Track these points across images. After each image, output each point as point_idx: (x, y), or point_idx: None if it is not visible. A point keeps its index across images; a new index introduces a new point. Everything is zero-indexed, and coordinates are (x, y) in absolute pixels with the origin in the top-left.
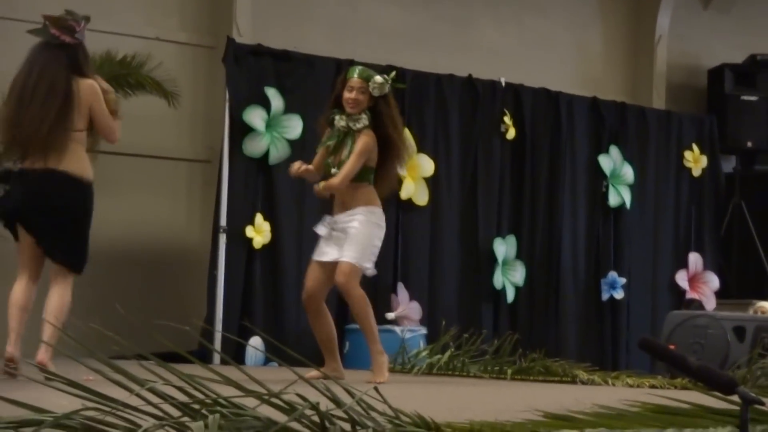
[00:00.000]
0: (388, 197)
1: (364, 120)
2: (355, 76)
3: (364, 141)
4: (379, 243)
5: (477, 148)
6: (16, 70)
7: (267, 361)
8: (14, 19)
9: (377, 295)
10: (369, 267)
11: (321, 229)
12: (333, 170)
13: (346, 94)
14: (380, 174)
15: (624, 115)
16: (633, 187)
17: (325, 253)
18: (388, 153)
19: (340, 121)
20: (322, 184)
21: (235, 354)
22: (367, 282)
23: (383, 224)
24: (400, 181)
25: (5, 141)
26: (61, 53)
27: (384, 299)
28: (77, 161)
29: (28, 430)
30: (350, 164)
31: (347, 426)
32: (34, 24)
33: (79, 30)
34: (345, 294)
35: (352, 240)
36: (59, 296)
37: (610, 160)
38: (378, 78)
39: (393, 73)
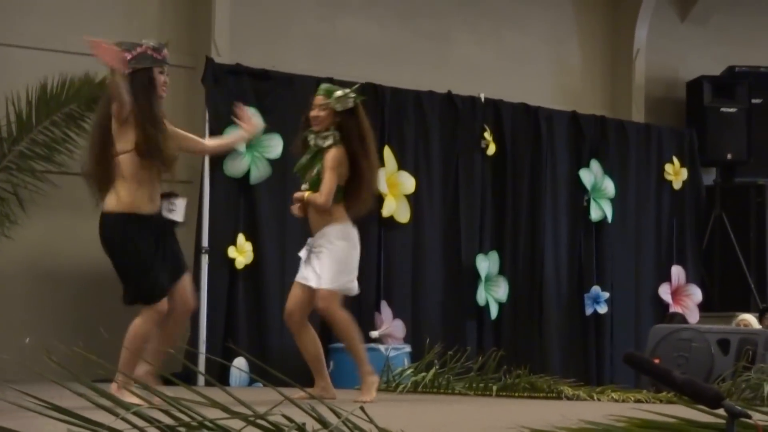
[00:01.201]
0: (365, 215)
1: (331, 137)
2: (318, 93)
3: (332, 155)
4: (353, 260)
5: (458, 164)
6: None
7: (251, 382)
8: (11, 45)
9: (361, 313)
10: (348, 287)
11: (303, 253)
12: (303, 186)
13: (311, 112)
14: (352, 192)
15: (604, 129)
16: (614, 201)
17: (305, 277)
18: (356, 170)
19: (311, 140)
20: (306, 194)
21: (220, 375)
22: (350, 300)
23: (355, 239)
24: (380, 199)
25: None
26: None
27: (368, 318)
28: (112, 195)
29: None
30: (327, 181)
31: None
32: (29, 50)
33: (132, 57)
34: (328, 319)
35: (323, 264)
36: (132, 326)
37: (591, 174)
38: (338, 92)
39: (356, 87)
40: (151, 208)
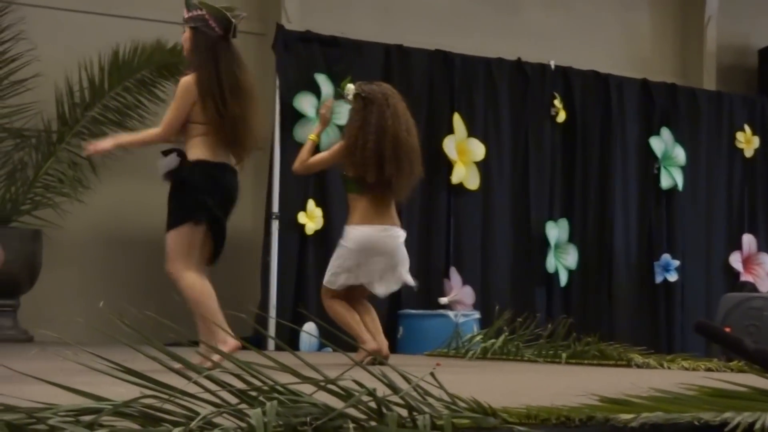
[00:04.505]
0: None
1: None
2: None
3: None
4: (341, 261)
5: (527, 131)
6: (65, 58)
7: (321, 347)
8: (63, 9)
9: (430, 279)
10: (332, 281)
11: None
12: None
13: None
14: None
15: (675, 97)
16: (685, 169)
17: None
18: None
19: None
20: None
21: (290, 340)
22: (420, 267)
23: (347, 243)
24: (450, 166)
25: None
26: None
27: (437, 284)
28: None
29: (87, 418)
30: None
31: (404, 412)
32: (101, 16)
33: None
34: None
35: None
36: None
37: (662, 142)
38: None
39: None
40: None
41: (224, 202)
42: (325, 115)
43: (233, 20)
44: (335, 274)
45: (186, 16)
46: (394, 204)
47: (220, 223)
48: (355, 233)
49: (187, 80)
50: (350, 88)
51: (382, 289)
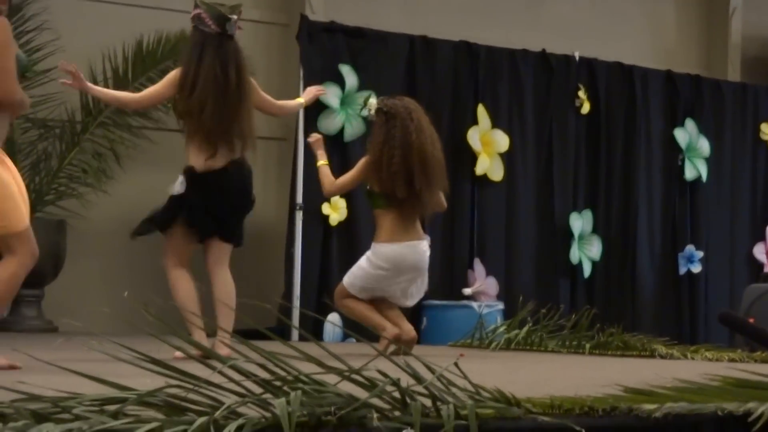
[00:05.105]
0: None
1: None
2: None
3: None
4: (370, 277)
5: (552, 123)
6: (89, 48)
7: (345, 337)
8: (108, 2)
9: (454, 270)
10: (356, 290)
11: None
12: None
13: None
14: None
15: (699, 88)
16: (709, 161)
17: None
18: None
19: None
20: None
21: (313, 330)
22: (443, 258)
23: (378, 261)
24: (474, 157)
25: None
26: None
27: (461, 275)
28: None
29: (111, 408)
30: None
31: (428, 402)
32: (126, 6)
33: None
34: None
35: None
36: (231, 282)
37: (686, 134)
38: None
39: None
40: None
41: (216, 207)
42: (319, 146)
43: (230, 17)
44: (363, 288)
45: (191, 15)
46: (418, 217)
47: (213, 223)
48: (386, 251)
49: (176, 70)
50: (372, 103)
51: (407, 302)
